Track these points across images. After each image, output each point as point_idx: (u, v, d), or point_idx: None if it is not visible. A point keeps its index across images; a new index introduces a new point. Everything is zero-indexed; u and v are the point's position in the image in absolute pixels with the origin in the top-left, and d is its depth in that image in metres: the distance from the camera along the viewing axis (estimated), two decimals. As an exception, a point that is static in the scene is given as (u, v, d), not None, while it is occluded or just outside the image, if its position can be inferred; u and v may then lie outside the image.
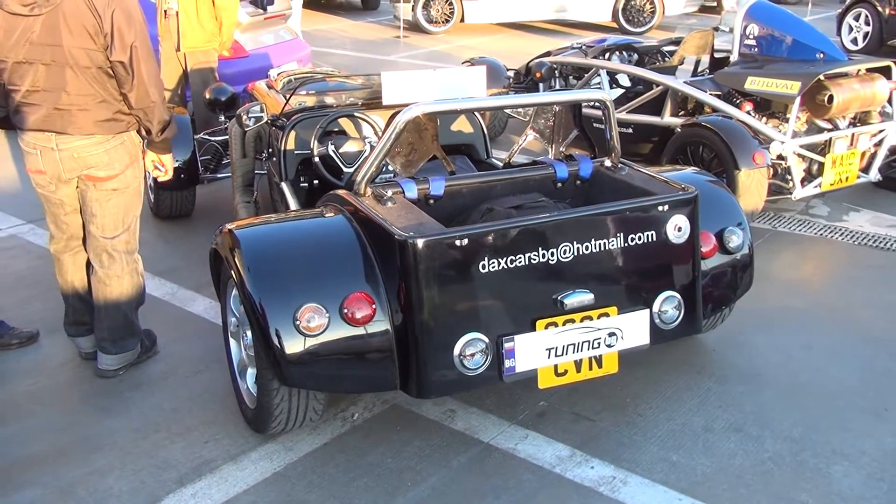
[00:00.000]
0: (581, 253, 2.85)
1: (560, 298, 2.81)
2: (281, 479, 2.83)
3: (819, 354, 3.63)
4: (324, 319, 2.68)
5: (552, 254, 2.81)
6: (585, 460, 2.92)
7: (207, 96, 4.98)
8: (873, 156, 5.30)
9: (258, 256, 2.83)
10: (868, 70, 5.14)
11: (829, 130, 5.07)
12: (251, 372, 3.01)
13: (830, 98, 4.85)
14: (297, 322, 2.66)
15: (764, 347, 3.68)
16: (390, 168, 3.21)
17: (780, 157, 4.95)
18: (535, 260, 2.78)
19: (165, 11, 5.62)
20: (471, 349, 2.72)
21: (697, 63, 6.16)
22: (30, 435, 3.08)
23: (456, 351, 2.70)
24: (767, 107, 5.24)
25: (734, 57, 5.53)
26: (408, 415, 3.18)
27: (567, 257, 2.83)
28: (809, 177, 5.11)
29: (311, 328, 2.67)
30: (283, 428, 2.97)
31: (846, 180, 5.17)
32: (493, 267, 2.73)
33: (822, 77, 4.90)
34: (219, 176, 5.24)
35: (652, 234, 2.96)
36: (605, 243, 2.88)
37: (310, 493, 2.76)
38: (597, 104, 3.19)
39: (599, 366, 2.93)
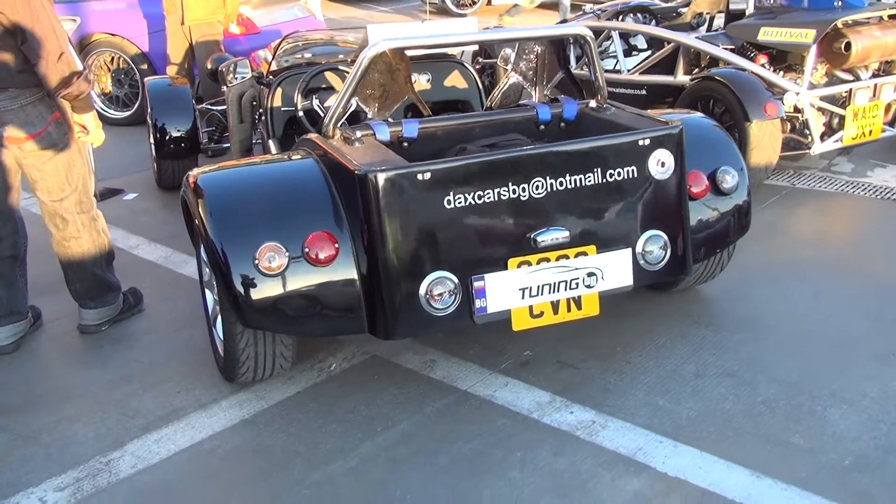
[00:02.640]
0: (554, 189, 2.72)
1: (533, 236, 2.69)
2: (248, 426, 2.76)
3: (826, 303, 3.44)
4: (284, 259, 2.59)
5: (523, 189, 2.68)
6: (565, 405, 2.79)
7: (209, 66, 4.95)
8: (899, 109, 5.05)
9: (219, 199, 2.76)
10: (890, 17, 4.89)
11: (850, 82, 4.84)
12: (220, 317, 2.94)
13: (848, 45, 4.62)
14: (257, 262, 2.58)
15: (768, 298, 3.50)
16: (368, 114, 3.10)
17: (797, 109, 4.73)
18: (504, 196, 2.66)
19: (170, -16, 5.62)
20: (439, 289, 2.61)
21: (712, 20, 5.94)
22: (4, 386, 3.06)
23: (422, 290, 2.60)
24: (783, 59, 5.01)
25: (749, 11, 5.32)
26: (387, 365, 3.08)
27: (539, 193, 2.70)
28: (830, 131, 4.87)
29: (271, 268, 2.59)
30: (252, 376, 2.90)
31: (870, 134, 4.92)
32: (460, 202, 2.62)
33: (839, 24, 4.67)
34: (224, 146, 5.21)
35: (633, 170, 2.81)
36: (580, 179, 2.75)
37: (275, 438, 2.68)
38: (578, 41, 3.06)
39: (579, 307, 2.80)
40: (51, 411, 2.89)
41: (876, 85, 4.87)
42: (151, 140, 5.11)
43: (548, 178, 2.70)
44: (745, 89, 4.54)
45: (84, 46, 6.69)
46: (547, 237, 2.70)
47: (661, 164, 2.84)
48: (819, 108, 4.79)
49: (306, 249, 2.61)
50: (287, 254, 2.60)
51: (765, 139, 4.55)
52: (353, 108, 3.03)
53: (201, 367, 3.12)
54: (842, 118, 4.82)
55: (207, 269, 3.08)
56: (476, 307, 2.67)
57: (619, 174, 2.80)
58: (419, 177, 2.57)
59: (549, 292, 2.74)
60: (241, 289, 2.60)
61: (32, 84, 3.00)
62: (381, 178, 2.53)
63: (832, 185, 4.85)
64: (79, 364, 3.22)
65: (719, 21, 5.80)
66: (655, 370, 2.99)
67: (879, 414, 2.68)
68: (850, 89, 4.80)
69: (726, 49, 5.07)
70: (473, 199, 2.63)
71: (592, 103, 3.23)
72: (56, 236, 3.25)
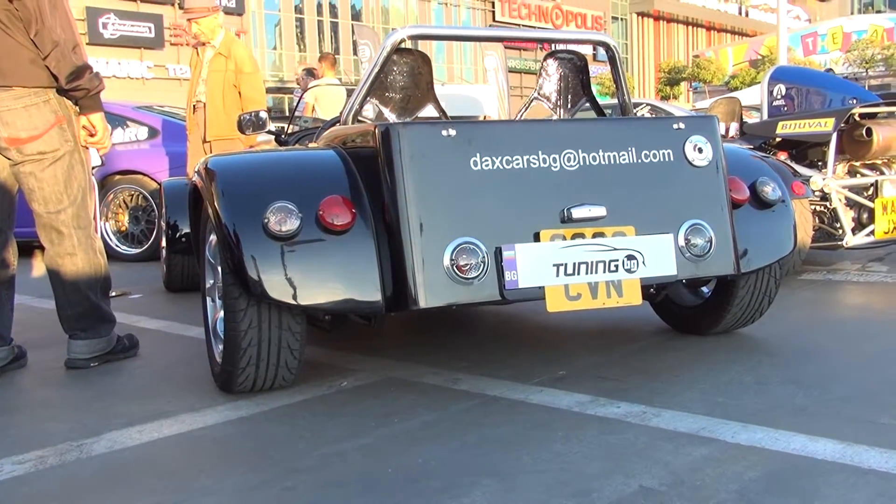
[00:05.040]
0: (587, 163, 2.55)
1: (567, 208, 2.48)
2: (245, 421, 2.39)
3: (886, 347, 3.12)
4: (296, 222, 2.37)
5: (554, 160, 2.52)
6: (610, 402, 2.43)
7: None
8: (930, 207, 4.93)
9: (231, 171, 2.58)
10: (907, 113, 4.91)
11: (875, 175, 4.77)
12: (221, 316, 2.65)
13: (869, 131, 4.60)
14: (266, 222, 2.37)
15: (823, 338, 3.19)
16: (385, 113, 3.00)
17: (824, 196, 4.62)
18: (534, 164, 2.49)
19: (194, 106, 5.76)
20: (465, 258, 2.37)
21: (727, 130, 5.99)
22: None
23: (448, 255, 2.35)
24: (804, 156, 4.98)
25: (764, 117, 5.37)
26: (405, 383, 2.74)
27: (572, 166, 2.53)
28: (860, 226, 4.74)
29: (282, 231, 2.37)
30: (252, 384, 2.57)
31: (902, 230, 4.77)
32: (487, 165, 2.44)
33: (857, 115, 4.68)
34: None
35: (669, 153, 2.66)
36: (615, 156, 2.59)
37: (277, 427, 2.31)
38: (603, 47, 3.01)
39: (619, 294, 2.52)
40: (24, 414, 2.53)
41: (902, 179, 4.79)
42: (163, 242, 5.00)
43: (580, 151, 2.55)
44: (771, 168, 4.46)
45: (104, 186, 6.78)
46: (582, 210, 2.49)
47: (698, 149, 2.69)
48: (846, 203, 4.68)
49: (320, 212, 2.40)
50: (300, 216, 2.38)
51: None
52: (371, 111, 2.94)
53: (197, 384, 2.78)
54: (871, 212, 4.70)
55: (210, 281, 2.85)
56: (506, 280, 2.40)
57: (654, 156, 2.64)
58: (444, 132, 2.41)
59: (587, 272, 2.48)
60: (248, 253, 2.36)
61: (39, 84, 2.90)
62: (404, 131, 2.38)
63: (869, 278, 4.62)
64: (58, 385, 2.88)
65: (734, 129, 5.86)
66: (709, 380, 2.64)
67: (977, 400, 2.31)
68: (877, 181, 4.71)
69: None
70: (501, 163, 2.46)
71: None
72: (50, 252, 3.02)
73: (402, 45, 2.86)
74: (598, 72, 30.55)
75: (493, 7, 42.75)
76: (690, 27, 57.87)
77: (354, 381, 2.76)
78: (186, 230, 4.84)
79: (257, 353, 2.49)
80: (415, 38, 2.82)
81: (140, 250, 6.80)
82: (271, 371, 2.55)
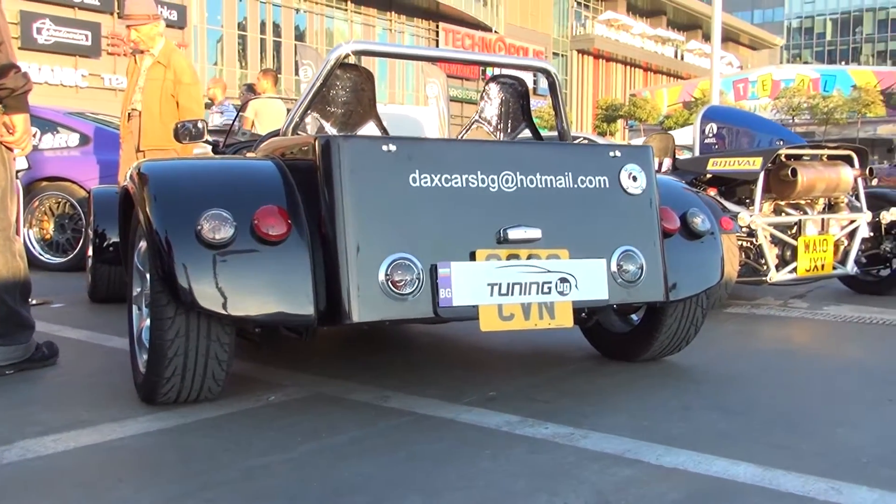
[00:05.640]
0: (525, 185, 2.58)
1: (503, 229, 2.50)
2: (168, 432, 2.32)
3: (809, 376, 3.22)
4: (229, 230, 2.34)
5: (492, 181, 2.54)
6: (539, 423, 2.44)
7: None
8: (848, 249, 5.13)
9: (164, 175, 2.53)
10: (829, 157, 5.11)
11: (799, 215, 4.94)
12: (147, 325, 2.58)
13: (794, 171, 4.77)
14: (200, 229, 2.32)
15: (747, 366, 3.27)
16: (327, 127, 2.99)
17: (751, 233, 4.77)
18: (472, 184, 2.51)
19: (129, 114, 5.64)
20: (401, 274, 2.36)
21: (660, 165, 6.15)
22: None
23: (383, 271, 2.34)
24: (733, 194, 5.14)
25: (696, 153, 5.53)
26: (334, 399, 2.70)
27: (510, 187, 2.56)
28: (783, 263, 4.89)
29: (215, 239, 2.32)
30: (177, 395, 2.50)
31: (822, 268, 4.94)
32: (426, 182, 2.45)
33: (783, 156, 4.85)
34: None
35: (605, 180, 2.71)
36: (552, 180, 2.63)
37: (200, 439, 2.25)
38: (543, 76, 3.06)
39: (552, 316, 2.55)
40: (-71, 422, 2.42)
41: (823, 220, 4.98)
42: (90, 250, 4.85)
43: (518, 173, 2.58)
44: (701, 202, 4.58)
45: (30, 191, 6.57)
46: (518, 232, 2.51)
47: (633, 177, 2.75)
48: (771, 240, 4.84)
49: (255, 222, 2.37)
50: (234, 224, 2.35)
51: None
52: (312, 125, 2.93)
53: (118, 394, 2.69)
54: (794, 249, 4.86)
55: (137, 289, 2.78)
56: (441, 297, 2.40)
57: (590, 182, 2.69)
58: (384, 147, 2.42)
59: (521, 293, 2.50)
60: (179, 260, 2.31)
61: None
62: (345, 144, 2.38)
63: (790, 313, 4.76)
64: (-28, 392, 2.76)
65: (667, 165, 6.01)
66: (636, 404, 2.68)
67: (891, 431, 2.40)
68: (800, 220, 4.89)
69: (677, 185, 5.19)
70: (440, 181, 2.47)
71: (559, 147, 3.18)
72: (-33, 253, 2.91)
73: (347, 61, 2.86)
74: (539, 105, 31.03)
75: (437, 36, 43.15)
76: (628, 67, 59.36)
77: (283, 396, 2.72)
78: (114, 239, 4.71)
79: (183, 363, 2.43)
80: (359, 53, 2.82)
81: (64, 260, 6.58)
82: (197, 382, 2.49)
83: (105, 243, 4.72)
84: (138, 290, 2.77)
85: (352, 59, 2.86)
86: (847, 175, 4.97)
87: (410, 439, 2.28)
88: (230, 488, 1.91)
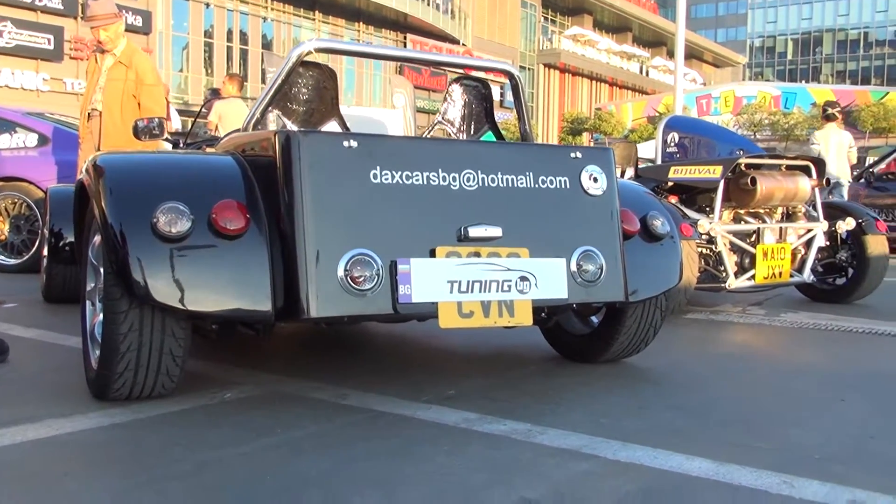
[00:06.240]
0: (486, 184, 2.59)
1: (463, 227, 2.50)
2: (118, 428, 2.28)
3: (766, 377, 3.26)
4: (187, 224, 2.31)
5: (454, 179, 2.54)
6: (497, 420, 2.44)
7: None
8: (805, 257, 5.21)
9: (120, 168, 2.49)
10: (788, 167, 5.20)
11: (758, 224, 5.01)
12: (100, 320, 2.53)
13: (753, 180, 4.84)
14: (156, 222, 2.29)
15: (706, 370, 3.30)
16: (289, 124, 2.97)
17: (710, 240, 4.82)
18: (434, 181, 2.51)
19: (89, 114, 5.56)
20: (360, 270, 2.34)
21: (623, 173, 6.21)
22: None
23: (343, 266, 2.33)
24: (693, 202, 5.20)
25: (658, 162, 5.59)
26: (291, 397, 2.67)
27: (471, 186, 2.56)
28: (742, 270, 4.96)
29: (171, 232, 2.29)
30: (129, 390, 2.45)
31: (780, 276, 5.01)
32: (387, 179, 2.44)
33: (742, 165, 4.92)
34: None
35: (566, 181, 2.72)
36: (513, 179, 2.63)
37: (152, 434, 2.21)
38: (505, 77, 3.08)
39: (511, 314, 2.55)
40: None
41: (781, 228, 5.06)
42: (45, 250, 4.76)
43: (479, 172, 2.58)
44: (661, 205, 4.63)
45: (-14, 192, 6.44)
46: (479, 230, 2.51)
47: (593, 178, 2.77)
48: (731, 247, 4.90)
49: (213, 216, 2.34)
50: (192, 218, 2.31)
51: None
52: (274, 123, 2.91)
53: (69, 391, 2.64)
54: (752, 257, 4.92)
55: (92, 274, 2.73)
56: (400, 294, 2.39)
57: (552, 182, 2.70)
58: (345, 143, 2.40)
59: (480, 291, 2.50)
60: (134, 254, 2.27)
61: None
62: (305, 139, 2.36)
63: (748, 320, 4.82)
64: (-83, 388, 2.69)
65: (630, 174, 6.07)
66: (594, 403, 2.69)
67: (842, 429, 2.43)
68: (759, 229, 4.96)
69: (638, 192, 5.24)
70: (401, 178, 2.47)
71: (519, 148, 3.19)
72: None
73: (309, 58, 2.85)
74: (506, 117, 31.18)
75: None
76: (594, 81, 59.96)
77: (239, 393, 2.68)
78: (70, 239, 4.64)
79: (136, 357, 2.39)
80: (322, 51, 2.81)
81: (19, 261, 6.45)
82: (151, 378, 2.45)
83: (61, 243, 4.64)
84: (92, 285, 2.72)
85: (314, 57, 2.85)
86: (805, 185, 5.04)
87: (367, 435, 2.26)
88: (181, 482, 1.87)
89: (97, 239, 2.63)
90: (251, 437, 2.21)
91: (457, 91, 3.40)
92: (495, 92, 15.12)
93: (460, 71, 3.84)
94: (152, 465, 1.97)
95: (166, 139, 3.96)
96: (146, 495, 1.79)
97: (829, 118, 9.55)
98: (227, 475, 1.92)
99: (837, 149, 9.05)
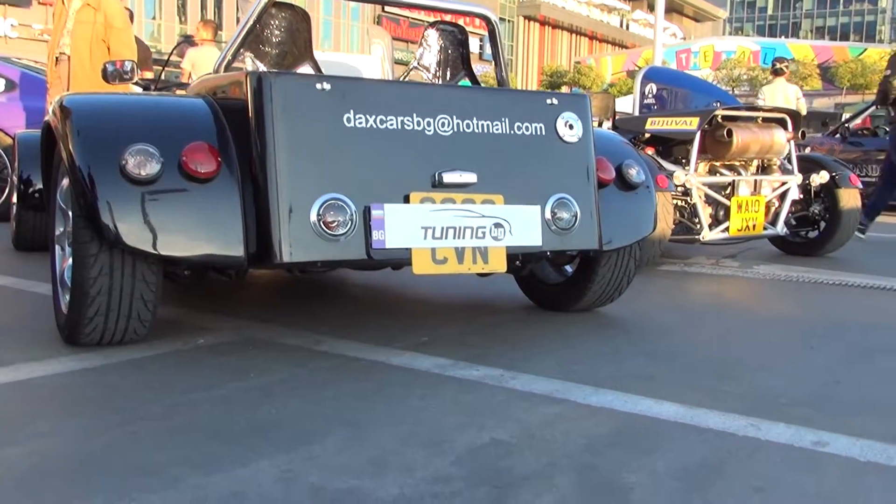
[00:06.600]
0: (461, 130, 2.56)
1: (438, 173, 2.48)
2: (89, 372, 2.27)
3: (739, 324, 3.30)
4: (157, 166, 2.27)
5: (428, 123, 2.51)
6: (469, 366, 2.45)
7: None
8: (778, 210, 5.24)
9: (88, 109, 2.44)
10: (764, 119, 5.20)
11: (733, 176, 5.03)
12: (70, 264, 2.50)
13: (730, 132, 4.84)
14: (125, 164, 2.25)
15: (678, 320, 3.34)
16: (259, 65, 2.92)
17: (686, 192, 4.84)
18: (408, 126, 2.48)
19: (57, 58, 5.44)
20: (333, 214, 2.32)
21: (600, 125, 6.18)
22: None
23: (315, 210, 2.31)
24: (669, 154, 5.20)
25: (635, 114, 5.57)
26: (265, 343, 2.67)
27: (445, 131, 2.54)
28: (717, 223, 4.98)
29: (141, 175, 2.26)
30: (100, 335, 2.44)
31: (753, 228, 5.05)
32: (360, 123, 2.41)
33: (719, 117, 4.92)
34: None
35: (541, 127, 2.71)
36: (488, 125, 2.61)
37: (124, 377, 2.21)
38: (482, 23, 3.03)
39: (485, 260, 2.55)
40: None
41: (756, 181, 5.08)
42: (14, 198, 4.69)
43: (454, 117, 2.56)
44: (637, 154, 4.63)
45: (-47, 139, 6.30)
46: (453, 176, 2.50)
47: (569, 125, 2.75)
48: (706, 200, 4.92)
49: (184, 158, 2.31)
50: (161, 160, 2.28)
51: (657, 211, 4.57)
52: (246, 65, 2.85)
53: (40, 336, 2.61)
54: (727, 210, 4.95)
55: (60, 218, 2.69)
56: (373, 239, 2.38)
57: (527, 129, 2.68)
58: (318, 86, 2.37)
59: (454, 237, 2.50)
60: (103, 197, 2.23)
61: None
62: (277, 81, 2.32)
63: (722, 271, 4.87)
64: None
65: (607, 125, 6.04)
66: (567, 349, 2.71)
67: (808, 375, 2.47)
68: (734, 181, 4.98)
69: (615, 143, 5.23)
70: (375, 122, 2.44)
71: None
72: None
73: (281, -1, 2.80)
74: (485, 70, 30.91)
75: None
76: (574, 35, 59.51)
77: (212, 339, 2.67)
78: (40, 186, 4.56)
79: (107, 302, 2.37)
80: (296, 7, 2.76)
81: (-11, 209, 6.36)
82: (122, 322, 2.43)
83: (30, 189, 4.56)
84: (61, 229, 2.68)
85: (287, -3, 2.80)
86: (780, 138, 5.06)
87: (340, 379, 2.27)
88: (152, 423, 1.87)
89: (65, 182, 2.59)
90: (223, 381, 2.20)
91: (433, 36, 3.35)
92: (474, 45, 14.94)
93: (439, 17, 3.79)
94: (123, 407, 1.97)
95: (136, 83, 3.88)
96: (117, 435, 1.79)
97: (777, 72, 9.83)
98: (197, 417, 1.92)
99: (784, 102, 9.17)
